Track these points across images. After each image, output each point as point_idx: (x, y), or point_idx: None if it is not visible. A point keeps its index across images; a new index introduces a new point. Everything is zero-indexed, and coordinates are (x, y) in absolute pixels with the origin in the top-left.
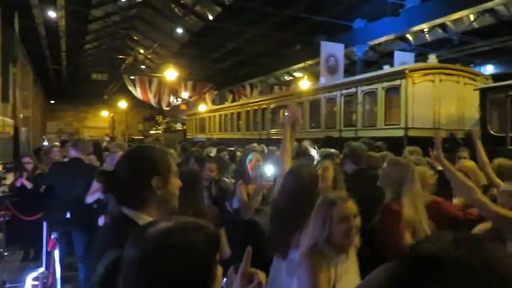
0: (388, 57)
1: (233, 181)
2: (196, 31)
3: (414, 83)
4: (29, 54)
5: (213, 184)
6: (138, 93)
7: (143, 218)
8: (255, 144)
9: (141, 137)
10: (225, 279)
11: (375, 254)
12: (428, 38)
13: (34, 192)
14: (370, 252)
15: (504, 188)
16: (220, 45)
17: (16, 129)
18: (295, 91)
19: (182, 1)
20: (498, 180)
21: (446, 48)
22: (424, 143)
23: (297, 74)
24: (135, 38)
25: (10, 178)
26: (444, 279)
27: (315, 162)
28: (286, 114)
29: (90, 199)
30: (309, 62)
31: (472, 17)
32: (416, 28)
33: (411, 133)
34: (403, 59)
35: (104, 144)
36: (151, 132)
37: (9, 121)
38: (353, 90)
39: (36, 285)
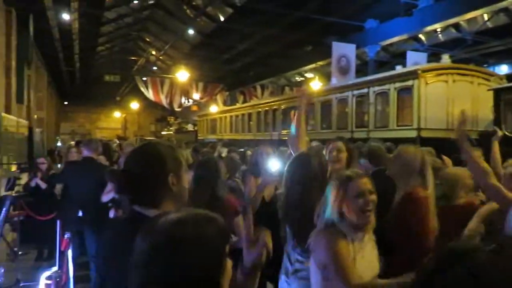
0: (400, 58)
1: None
2: (207, 33)
3: (427, 83)
4: (43, 56)
5: None
6: (150, 94)
7: None
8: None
9: (153, 138)
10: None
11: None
12: (441, 38)
13: (48, 192)
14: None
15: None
16: (231, 46)
17: (30, 130)
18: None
19: (193, 3)
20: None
21: (459, 48)
22: (438, 144)
23: (308, 75)
24: (147, 39)
25: (24, 178)
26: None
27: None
28: (300, 96)
29: (105, 198)
30: (320, 63)
31: (486, 17)
32: (429, 28)
33: (424, 134)
34: (415, 60)
35: (114, 145)
36: (162, 133)
37: (24, 122)
38: (365, 90)
39: (50, 284)
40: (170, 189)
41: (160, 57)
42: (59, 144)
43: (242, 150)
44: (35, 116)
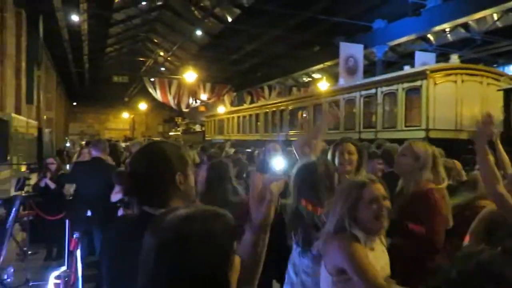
0: (408, 58)
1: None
2: (215, 33)
3: (435, 83)
4: (52, 57)
5: None
6: (158, 95)
7: None
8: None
9: (160, 139)
10: None
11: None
12: (450, 38)
13: (57, 192)
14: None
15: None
16: (239, 47)
17: (40, 130)
18: (314, 92)
19: (201, 4)
20: None
21: (468, 48)
22: (446, 145)
23: (315, 76)
24: (155, 40)
25: (34, 178)
26: None
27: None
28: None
29: (114, 198)
30: (328, 63)
31: (495, 16)
32: (437, 28)
33: (432, 134)
34: (424, 60)
35: (122, 145)
36: (170, 133)
37: (33, 122)
38: (372, 91)
39: (59, 283)
40: (178, 188)
41: (168, 58)
42: (67, 144)
43: (249, 150)
44: (45, 117)
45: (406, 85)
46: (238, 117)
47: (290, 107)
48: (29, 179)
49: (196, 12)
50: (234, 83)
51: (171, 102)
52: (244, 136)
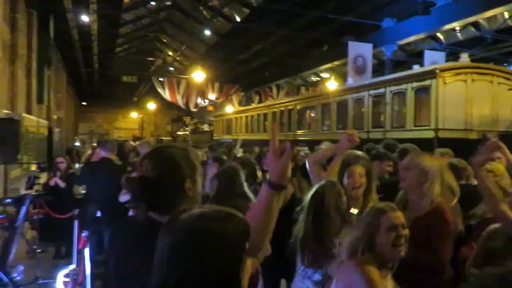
0: (418, 57)
1: None
2: (223, 33)
3: (445, 83)
4: (62, 57)
5: None
6: (166, 94)
7: None
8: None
9: (169, 138)
10: None
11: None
12: (460, 36)
13: (67, 191)
14: None
15: None
16: (247, 46)
17: (50, 130)
18: (322, 91)
19: (210, 4)
20: None
21: (479, 47)
22: (455, 145)
23: (324, 75)
24: (164, 40)
25: (44, 177)
26: None
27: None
28: (345, 139)
29: (122, 198)
30: (336, 62)
31: (506, 15)
32: (447, 26)
33: (441, 134)
34: (433, 59)
35: (132, 144)
36: (178, 133)
37: (44, 122)
38: (381, 90)
39: (67, 281)
40: (186, 195)
41: (177, 58)
42: (77, 143)
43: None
44: (55, 116)
45: (415, 84)
46: (246, 116)
47: (298, 107)
48: (39, 178)
49: (204, 11)
50: (242, 83)
51: (180, 101)
52: (252, 136)
